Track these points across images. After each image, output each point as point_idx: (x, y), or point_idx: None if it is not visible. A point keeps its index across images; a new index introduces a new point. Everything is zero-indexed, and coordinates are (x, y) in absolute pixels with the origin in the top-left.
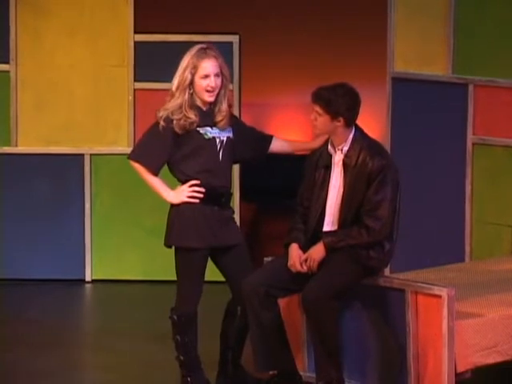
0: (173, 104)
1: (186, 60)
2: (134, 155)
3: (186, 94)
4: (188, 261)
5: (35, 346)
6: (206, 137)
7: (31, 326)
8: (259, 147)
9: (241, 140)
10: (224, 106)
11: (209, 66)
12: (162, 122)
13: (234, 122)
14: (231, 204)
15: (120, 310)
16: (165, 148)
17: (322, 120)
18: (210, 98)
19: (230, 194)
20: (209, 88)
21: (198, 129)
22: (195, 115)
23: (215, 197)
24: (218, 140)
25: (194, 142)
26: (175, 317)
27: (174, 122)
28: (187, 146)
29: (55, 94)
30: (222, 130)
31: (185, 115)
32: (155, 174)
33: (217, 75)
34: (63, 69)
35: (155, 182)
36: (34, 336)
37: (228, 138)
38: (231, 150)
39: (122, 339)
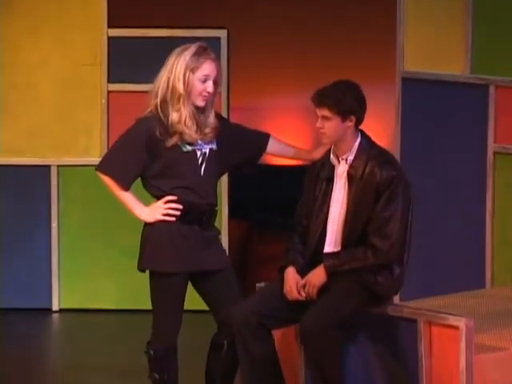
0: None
1: (184, 59)
2: (103, 167)
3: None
4: (164, 287)
5: None
6: (184, 149)
7: None
8: (254, 149)
9: (230, 145)
10: (211, 119)
11: (210, 68)
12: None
13: (221, 128)
14: (218, 221)
15: (91, 343)
16: (139, 159)
17: (332, 124)
18: (202, 103)
19: (215, 213)
20: (205, 93)
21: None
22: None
23: (195, 215)
24: (199, 153)
25: (170, 154)
26: (152, 352)
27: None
28: (163, 158)
29: (18, 97)
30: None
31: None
32: (126, 188)
33: (214, 81)
34: (27, 68)
35: (127, 198)
36: None
37: (211, 149)
38: (215, 163)
39: (92, 375)
